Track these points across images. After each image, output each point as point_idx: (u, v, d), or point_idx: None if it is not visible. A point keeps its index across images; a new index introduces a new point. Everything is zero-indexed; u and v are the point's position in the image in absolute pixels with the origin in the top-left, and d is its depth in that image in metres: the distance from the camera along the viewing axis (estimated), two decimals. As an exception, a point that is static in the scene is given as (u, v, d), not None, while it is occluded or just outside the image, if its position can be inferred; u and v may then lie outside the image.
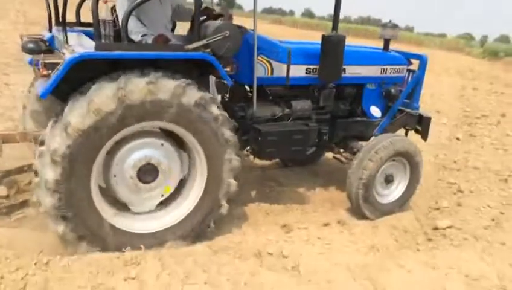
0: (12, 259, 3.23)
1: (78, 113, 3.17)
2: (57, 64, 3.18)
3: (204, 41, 3.56)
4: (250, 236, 4.04)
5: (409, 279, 3.71)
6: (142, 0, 3.43)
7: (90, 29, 4.17)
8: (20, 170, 4.43)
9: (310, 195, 5.26)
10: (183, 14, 4.62)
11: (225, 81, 3.85)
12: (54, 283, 3.03)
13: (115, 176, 3.57)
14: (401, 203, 4.98)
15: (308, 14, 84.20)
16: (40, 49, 3.74)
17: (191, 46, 3.54)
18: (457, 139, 8.44)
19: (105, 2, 3.62)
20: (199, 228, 3.87)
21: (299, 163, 6.03)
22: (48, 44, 3.88)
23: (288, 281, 3.46)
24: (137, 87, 3.27)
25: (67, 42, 3.61)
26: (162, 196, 3.82)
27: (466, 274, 3.76)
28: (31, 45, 3.74)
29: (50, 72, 3.18)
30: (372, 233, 4.41)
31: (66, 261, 3.27)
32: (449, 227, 4.68)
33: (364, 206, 4.64)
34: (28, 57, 3.89)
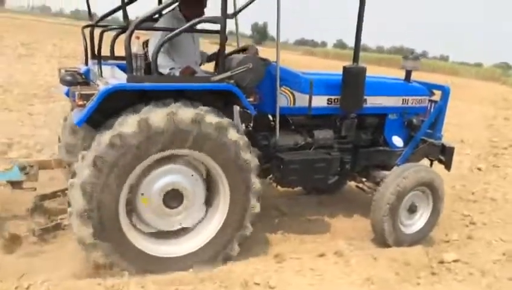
0: (-6, 282, 3.29)
1: (104, 145, 3.34)
2: (92, 95, 3.41)
3: (228, 73, 3.80)
4: (239, 265, 3.94)
5: (403, 314, 3.52)
6: (171, 35, 3.67)
7: (123, 62, 4.36)
8: (54, 195, 4.61)
9: (310, 225, 5.13)
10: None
11: (248, 111, 3.99)
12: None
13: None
14: (424, 234, 4.92)
15: (340, 44, 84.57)
16: (77, 81, 3.99)
17: (216, 78, 3.78)
18: (479, 169, 8.12)
19: (138, 38, 3.84)
20: (224, 252, 3.95)
21: (322, 191, 6.01)
22: (83, 76, 4.12)
23: (271, 313, 3.35)
24: (158, 117, 3.44)
25: (101, 74, 3.86)
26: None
27: (466, 311, 3.54)
28: (68, 78, 3.99)
29: (85, 102, 3.40)
30: (370, 265, 4.22)
31: (47, 286, 3.29)
32: (455, 261, 4.45)
33: (389, 235, 4.62)
34: (65, 88, 4.19)
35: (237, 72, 3.81)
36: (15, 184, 4.22)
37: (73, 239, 3.68)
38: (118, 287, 3.39)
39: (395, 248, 4.70)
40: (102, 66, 4.08)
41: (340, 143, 4.88)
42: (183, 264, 3.79)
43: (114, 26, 4.50)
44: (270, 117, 4.63)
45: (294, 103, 4.47)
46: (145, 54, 4.05)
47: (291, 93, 4.45)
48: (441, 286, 4.00)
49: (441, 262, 4.45)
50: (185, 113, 3.52)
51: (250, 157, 3.83)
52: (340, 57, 48.32)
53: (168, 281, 3.55)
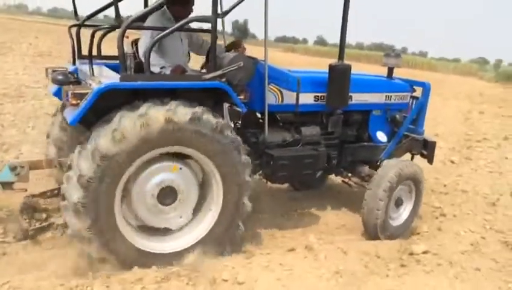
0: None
1: (104, 140, 3.38)
2: (85, 94, 3.42)
3: (220, 72, 3.85)
4: (206, 262, 3.90)
5: (370, 307, 3.53)
6: (164, 34, 3.69)
7: (111, 61, 4.57)
8: (43, 195, 4.54)
9: (281, 220, 5.13)
10: (198, 46, 4.84)
11: (239, 109, 4.05)
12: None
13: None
14: (407, 226, 5.07)
15: (321, 41, 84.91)
16: (69, 80, 3.98)
17: (207, 76, 3.83)
18: (452, 162, 8.23)
19: (127, 37, 3.83)
20: (216, 249, 4.02)
21: (307, 187, 6.12)
22: (75, 76, 4.09)
23: (237, 309, 3.32)
24: (158, 115, 3.48)
25: (93, 74, 3.84)
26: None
27: (431, 302, 3.56)
28: (60, 77, 3.98)
29: (79, 101, 3.41)
30: (340, 259, 4.22)
31: (7, 288, 3.20)
32: (424, 252, 4.48)
33: (380, 230, 4.75)
34: (53, 87, 4.29)
35: (228, 70, 3.86)
36: (6, 185, 4.15)
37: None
38: (82, 288, 3.32)
39: (366, 241, 4.74)
40: (99, 66, 4.17)
41: (326, 139, 4.98)
42: (177, 260, 3.84)
43: (105, 26, 4.46)
44: (258, 115, 4.69)
45: (282, 101, 4.56)
46: (134, 53, 4.08)
47: (279, 91, 4.53)
48: (409, 277, 4.02)
49: (411, 254, 4.48)
50: (183, 112, 3.57)
51: (244, 157, 3.92)
52: (321, 53, 48.61)
53: (133, 279, 3.48)
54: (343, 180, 5.67)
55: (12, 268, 3.70)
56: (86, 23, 4.56)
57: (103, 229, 3.52)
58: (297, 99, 4.57)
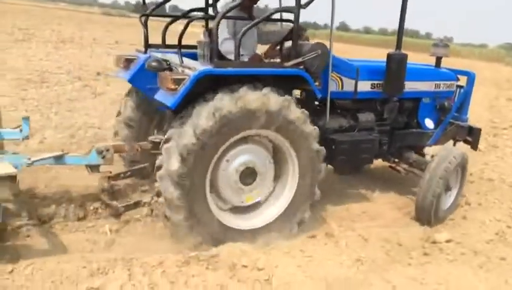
0: (-22, 266, 3.26)
1: (205, 117, 3.65)
2: (183, 79, 3.69)
3: (300, 59, 4.09)
4: (226, 248, 3.90)
5: (392, 295, 3.49)
6: (254, 23, 3.94)
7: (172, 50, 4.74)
8: (117, 176, 4.78)
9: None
10: (268, 37, 5.02)
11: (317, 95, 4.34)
12: (12, 291, 3.01)
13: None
14: (451, 210, 5.17)
15: (344, 27, 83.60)
16: (163, 67, 4.19)
17: (289, 64, 4.07)
18: (478, 150, 8.00)
19: (203, 27, 4.25)
20: (289, 226, 4.26)
21: (349, 173, 6.16)
22: (168, 63, 4.26)
23: (257, 294, 3.32)
24: (254, 98, 3.76)
25: (182, 62, 4.09)
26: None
27: (455, 291, 3.50)
28: (155, 64, 4.19)
29: (177, 86, 3.68)
30: (361, 246, 4.19)
31: (31, 270, 3.26)
32: (448, 241, 4.40)
33: (434, 214, 4.83)
34: (122, 73, 4.68)
35: (308, 58, 4.08)
36: (93, 168, 4.34)
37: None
38: (103, 270, 3.36)
39: (388, 229, 4.67)
40: (166, 54, 4.51)
41: (379, 125, 5.18)
42: (261, 236, 4.09)
43: (177, 15, 4.84)
44: (316, 102, 4.80)
45: (342, 88, 4.77)
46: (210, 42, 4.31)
47: (340, 78, 4.74)
48: (431, 266, 3.96)
49: (434, 242, 4.41)
50: (275, 97, 3.85)
51: (319, 147, 4.19)
52: (344, 40, 47.70)
53: (154, 263, 3.51)
54: (390, 166, 5.77)
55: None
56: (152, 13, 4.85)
57: (194, 200, 3.77)
58: (355, 86, 4.78)
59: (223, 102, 3.68)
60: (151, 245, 4.05)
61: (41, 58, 13.34)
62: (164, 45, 4.85)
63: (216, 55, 3.96)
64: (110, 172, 4.65)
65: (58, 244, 3.88)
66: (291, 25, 4.28)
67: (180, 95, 3.66)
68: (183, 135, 3.66)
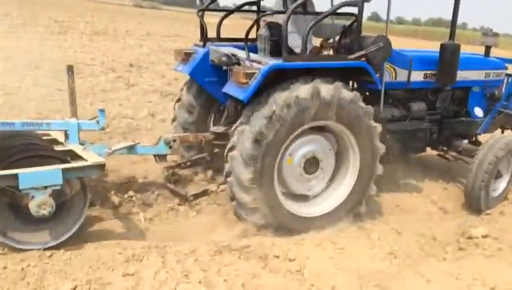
0: (19, 251, 3.38)
1: (280, 105, 3.82)
2: (253, 73, 3.86)
3: (363, 52, 4.21)
4: (260, 238, 3.93)
5: (426, 289, 3.43)
6: (321, 18, 4.10)
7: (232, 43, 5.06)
8: (179, 166, 5.04)
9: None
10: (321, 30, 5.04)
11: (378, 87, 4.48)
12: (51, 274, 3.11)
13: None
14: (501, 199, 5.21)
15: (375, 18, 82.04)
16: (232, 62, 4.32)
17: (353, 56, 4.22)
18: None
19: (265, 22, 4.35)
20: (354, 211, 4.42)
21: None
22: (237, 58, 4.36)
23: (289, 284, 3.33)
24: (329, 89, 3.95)
25: (249, 56, 4.24)
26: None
27: (492, 287, 3.44)
28: (224, 59, 4.33)
29: (248, 80, 3.86)
30: (394, 239, 4.12)
31: (69, 255, 3.35)
32: (484, 236, 4.27)
33: (483, 202, 4.93)
34: (182, 66, 4.89)
35: (370, 50, 4.19)
36: (161, 157, 4.59)
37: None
38: (138, 257, 3.42)
39: (422, 223, 4.58)
40: (220, 48, 4.68)
41: (430, 114, 5.25)
42: (322, 224, 4.23)
43: (231, 9, 5.22)
44: (367, 92, 4.90)
45: (395, 78, 4.87)
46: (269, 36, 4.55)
47: (394, 69, 4.83)
48: (467, 261, 3.86)
49: (470, 237, 4.29)
50: (345, 89, 4.05)
51: (375, 124, 4.28)
52: (376, 30, 46.66)
53: (187, 251, 3.56)
54: (438, 154, 5.79)
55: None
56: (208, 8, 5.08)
57: (266, 198, 3.96)
58: (409, 76, 4.89)
59: (299, 92, 3.85)
60: (184, 234, 4.12)
61: (76, 50, 13.64)
62: (219, 39, 5.08)
63: (277, 49, 4.13)
64: (176, 161, 4.91)
65: (95, 231, 4.00)
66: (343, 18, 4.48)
67: (252, 88, 3.83)
68: (258, 120, 3.84)
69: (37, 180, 3.32)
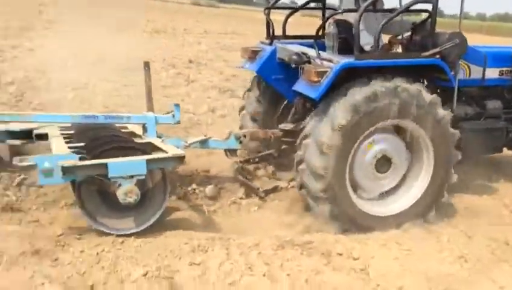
0: (94, 236, 3.55)
1: (362, 98, 3.84)
2: (325, 72, 3.88)
3: (438, 49, 4.14)
4: (323, 235, 3.91)
5: (499, 296, 3.27)
6: (395, 15, 4.14)
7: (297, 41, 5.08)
8: (247, 161, 5.03)
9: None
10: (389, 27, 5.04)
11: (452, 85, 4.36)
12: (124, 260, 3.24)
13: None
14: None
15: (439, 13, 78.93)
16: (303, 60, 4.33)
17: (427, 53, 4.15)
18: None
19: (333, 20, 4.38)
20: (424, 214, 4.31)
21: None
22: (308, 56, 4.38)
23: (353, 283, 3.28)
24: (410, 88, 3.94)
25: (319, 54, 4.28)
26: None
27: None
28: (295, 57, 4.33)
29: (320, 78, 3.87)
30: (464, 243, 3.95)
31: (139, 243, 3.48)
32: None
33: None
34: (249, 64, 4.96)
35: (445, 47, 4.12)
36: (231, 152, 4.78)
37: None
38: (203, 248, 3.50)
39: (494, 227, 4.37)
40: (288, 46, 4.70)
41: (506, 113, 5.03)
42: (390, 224, 4.16)
43: (296, 7, 5.31)
44: (438, 90, 4.71)
45: (469, 75, 4.74)
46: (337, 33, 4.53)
47: (468, 66, 4.71)
48: (544, 269, 3.64)
49: (547, 244, 4.05)
50: (410, 87, 3.95)
51: (453, 131, 4.19)
52: (439, 25, 44.81)
53: (251, 244, 3.59)
54: None
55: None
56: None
57: (337, 191, 3.96)
58: (483, 74, 4.76)
59: (381, 88, 3.85)
60: (246, 228, 4.17)
61: (139, 47, 14.10)
62: (285, 36, 5.09)
63: (345, 46, 4.15)
64: (246, 157, 4.96)
65: (162, 221, 4.07)
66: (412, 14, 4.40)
67: (324, 87, 3.83)
68: (336, 112, 3.82)
69: (124, 170, 3.52)
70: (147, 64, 4.68)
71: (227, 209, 4.51)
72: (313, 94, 3.92)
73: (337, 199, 3.98)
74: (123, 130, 4.63)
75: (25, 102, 7.31)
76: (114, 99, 7.95)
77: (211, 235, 3.75)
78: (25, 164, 3.46)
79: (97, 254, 3.29)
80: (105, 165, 3.47)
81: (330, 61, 4.03)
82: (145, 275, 3.09)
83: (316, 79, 3.85)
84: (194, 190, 4.71)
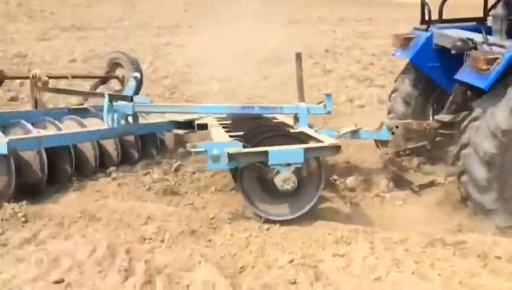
0: (241, 222, 3.77)
1: None
2: (496, 59, 3.69)
3: None
4: (478, 235, 3.63)
5: None
6: None
7: (460, 24, 4.79)
8: (398, 154, 4.96)
9: None
10: None
11: None
12: (270, 246, 3.39)
13: None
14: None
15: None
16: (469, 46, 4.15)
17: None
18: None
19: (503, 0, 4.11)
20: None
21: None
22: (474, 42, 4.20)
23: (516, 291, 2.97)
24: None
25: (487, 39, 4.06)
26: None
27: None
28: (459, 44, 4.16)
29: (489, 66, 3.69)
30: None
31: (284, 230, 3.61)
32: None
33: None
34: (401, 52, 4.82)
35: None
36: (382, 143, 4.80)
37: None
38: (346, 240, 3.49)
39: None
40: (446, 31, 4.49)
41: None
42: None
43: None
44: None
45: None
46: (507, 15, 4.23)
47: None
48: None
49: None
50: None
51: None
52: None
53: (396, 240, 3.49)
54: None
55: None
56: None
57: (504, 181, 3.70)
58: None
59: None
60: (390, 222, 4.05)
61: (275, 38, 14.45)
62: (441, 20, 4.81)
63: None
64: (401, 147, 4.80)
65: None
66: None
67: (494, 75, 3.63)
68: (500, 113, 3.60)
69: (283, 158, 3.66)
70: (298, 56, 4.80)
71: (370, 201, 4.42)
72: (482, 83, 3.69)
73: (505, 191, 3.68)
74: (274, 120, 4.82)
75: (178, 94, 8.04)
76: (255, 91, 8.30)
77: (354, 227, 3.71)
78: (197, 150, 3.79)
79: (246, 238, 3.49)
80: (266, 153, 3.63)
81: (501, 47, 3.74)
82: (290, 262, 3.18)
83: (485, 67, 3.63)
84: (335, 180, 4.71)
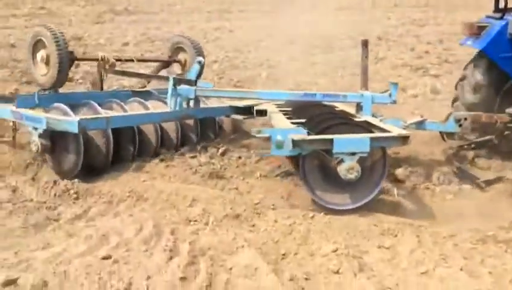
0: (285, 209, 3.76)
1: None
2: None
3: None
4: (533, 234, 3.42)
5: None
6: None
7: None
8: (461, 147, 4.91)
9: None
10: None
11: None
12: (314, 234, 3.35)
13: None
14: None
15: None
16: None
17: None
18: None
19: None
20: None
21: None
22: None
23: None
24: None
25: None
26: None
27: None
28: None
29: None
30: None
31: (328, 219, 3.56)
32: None
33: None
34: (475, 42, 4.64)
35: None
36: (448, 135, 4.72)
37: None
38: (392, 232, 3.40)
39: None
40: None
41: None
42: None
43: None
44: None
45: None
46: None
47: None
48: None
49: None
50: None
51: None
52: None
53: (445, 234, 3.36)
54: None
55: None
56: None
57: None
58: None
59: None
60: (439, 216, 3.92)
61: (325, 24, 14.23)
62: None
63: None
64: (465, 140, 4.69)
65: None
66: None
67: None
68: None
69: (348, 146, 3.60)
70: (365, 43, 4.64)
71: (420, 194, 4.28)
72: None
73: None
74: (336, 109, 4.74)
75: (226, 79, 8.08)
76: (302, 77, 8.21)
77: (401, 219, 3.63)
78: (261, 135, 3.83)
79: (289, 225, 3.46)
80: (331, 141, 3.58)
81: None
82: (334, 251, 3.13)
83: None
84: (383, 171, 4.59)
